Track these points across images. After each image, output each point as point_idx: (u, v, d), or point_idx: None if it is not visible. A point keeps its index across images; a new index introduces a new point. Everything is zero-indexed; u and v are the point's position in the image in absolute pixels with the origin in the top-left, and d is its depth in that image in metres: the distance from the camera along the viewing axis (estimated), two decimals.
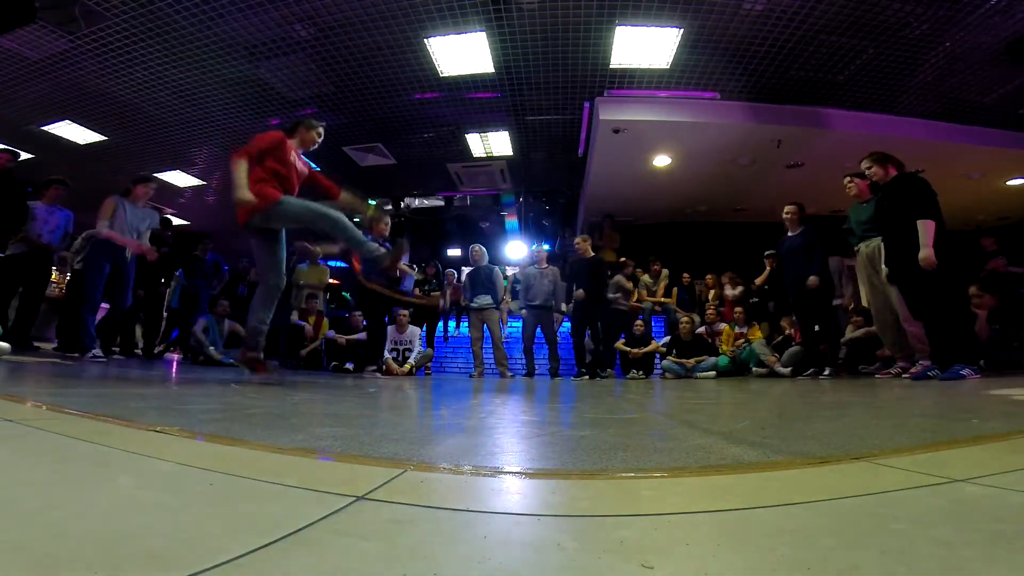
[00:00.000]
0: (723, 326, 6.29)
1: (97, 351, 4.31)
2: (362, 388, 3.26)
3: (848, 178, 4.36)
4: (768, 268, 5.83)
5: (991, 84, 5.70)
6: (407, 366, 5.67)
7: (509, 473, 0.89)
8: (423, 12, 4.96)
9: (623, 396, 3.06)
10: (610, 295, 6.63)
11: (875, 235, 3.99)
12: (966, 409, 1.84)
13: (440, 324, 7.61)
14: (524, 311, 6.11)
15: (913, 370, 3.67)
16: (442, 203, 9.91)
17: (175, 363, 5.85)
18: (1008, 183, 7.34)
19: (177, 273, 6.94)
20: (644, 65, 5.70)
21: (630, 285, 6.94)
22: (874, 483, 0.79)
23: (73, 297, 5.19)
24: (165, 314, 7.27)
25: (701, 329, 6.43)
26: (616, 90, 6.08)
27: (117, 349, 5.58)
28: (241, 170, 2.89)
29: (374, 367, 5.19)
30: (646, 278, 7.43)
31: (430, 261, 8.32)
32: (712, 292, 7.19)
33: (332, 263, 8.62)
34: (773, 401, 2.64)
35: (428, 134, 7.42)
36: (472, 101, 6.56)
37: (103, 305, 4.72)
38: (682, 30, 5.12)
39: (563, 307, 6.52)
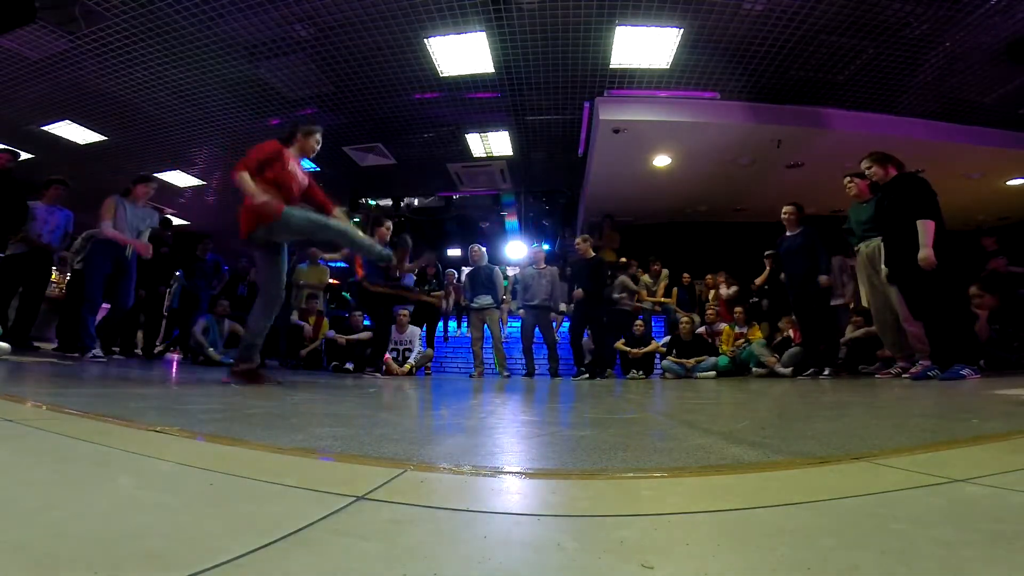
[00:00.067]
0: (723, 326, 6.29)
1: (97, 351, 4.31)
2: (362, 388, 3.26)
3: (848, 178, 4.36)
4: (768, 268, 5.83)
5: (991, 84, 5.70)
6: (407, 366, 5.67)
7: (509, 473, 0.89)
8: (423, 12, 4.96)
9: (623, 396, 3.06)
10: (615, 295, 6.64)
11: (875, 235, 3.99)
12: (966, 409, 1.84)
13: (440, 324, 7.61)
14: (522, 311, 6.11)
15: (913, 370, 3.67)
16: (442, 204, 9.91)
17: (175, 363, 5.85)
18: (1008, 183, 7.34)
19: (177, 273, 6.95)
20: (644, 65, 5.70)
21: (635, 285, 6.95)
22: (874, 483, 0.79)
23: (73, 297, 5.19)
24: (165, 314, 7.27)
25: (701, 329, 6.43)
26: (616, 90, 6.08)
27: (117, 349, 5.58)
28: (246, 180, 2.86)
29: (372, 368, 5.19)
30: (646, 278, 7.43)
31: (430, 261, 8.31)
32: (712, 292, 7.19)
33: (333, 264, 8.63)
34: (773, 401, 2.64)
35: (428, 134, 7.42)
36: (472, 101, 6.56)
37: (103, 305, 4.72)
38: (682, 30, 5.12)
39: (562, 307, 6.52)
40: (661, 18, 4.98)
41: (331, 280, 7.64)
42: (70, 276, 5.56)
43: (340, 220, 3.16)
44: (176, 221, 10.03)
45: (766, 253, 5.90)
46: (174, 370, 4.41)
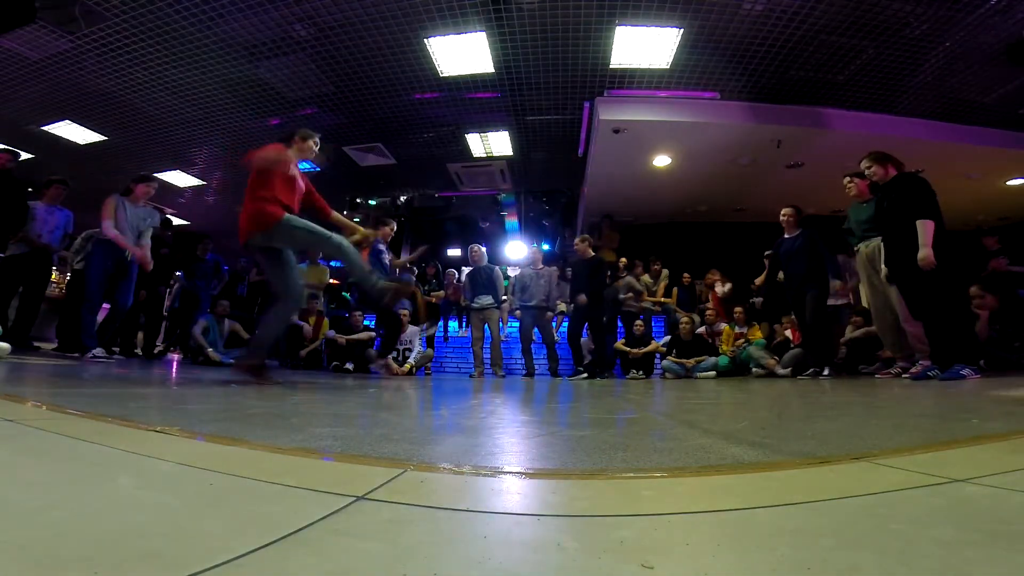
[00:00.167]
0: (723, 326, 6.29)
1: (97, 351, 4.31)
2: (362, 388, 3.26)
3: (848, 178, 4.36)
4: (767, 268, 5.83)
5: (991, 84, 5.70)
6: (407, 366, 5.67)
7: (509, 473, 0.89)
8: (423, 12, 4.96)
9: (623, 396, 3.06)
10: (620, 296, 6.66)
11: (875, 235, 3.99)
12: (966, 409, 1.84)
13: (440, 324, 7.61)
14: (518, 311, 6.11)
15: (913, 370, 3.67)
16: (441, 203, 9.88)
17: (175, 363, 5.85)
18: (1008, 183, 7.34)
19: (177, 273, 6.95)
20: (644, 65, 5.70)
21: (640, 286, 6.95)
22: (874, 483, 0.79)
23: (73, 297, 5.19)
24: (166, 314, 7.27)
25: (701, 329, 6.43)
26: (616, 90, 6.08)
27: (117, 349, 5.58)
28: (269, 153, 2.82)
29: (384, 360, 5.19)
30: (646, 278, 7.43)
31: (430, 261, 8.32)
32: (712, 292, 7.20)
33: (333, 263, 8.61)
34: (773, 401, 2.64)
35: (428, 134, 7.42)
36: (472, 101, 6.56)
37: (104, 305, 4.72)
38: (682, 30, 5.12)
39: (562, 307, 6.52)
40: (661, 18, 4.98)
41: (331, 280, 7.64)
42: (70, 276, 5.56)
43: (342, 236, 3.03)
44: (176, 221, 10.03)
45: (766, 253, 5.90)
46: (174, 370, 4.41)
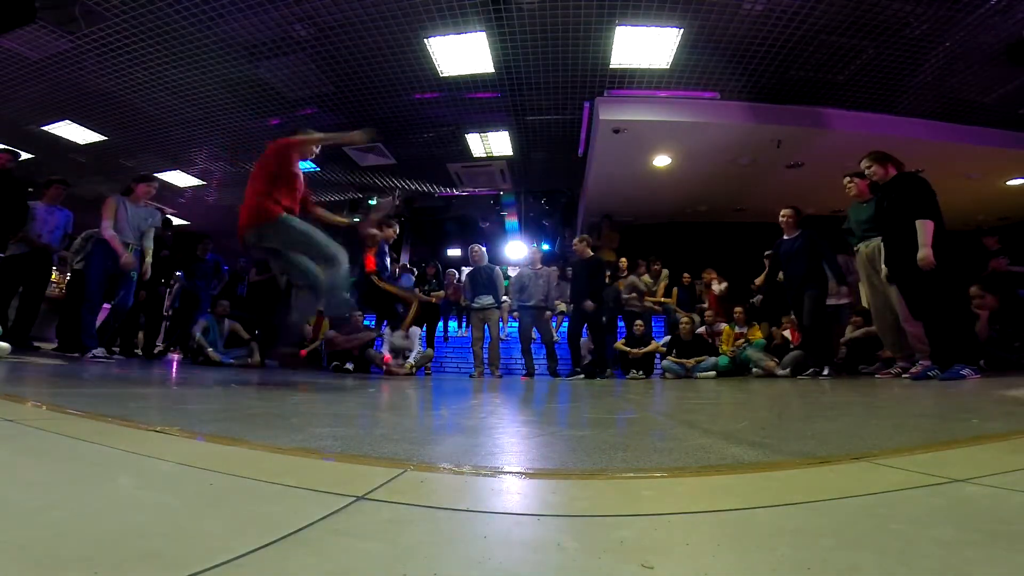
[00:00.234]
0: (723, 326, 6.29)
1: (97, 351, 4.31)
2: (362, 388, 3.26)
3: (848, 178, 4.36)
4: (767, 268, 5.83)
5: (991, 84, 5.70)
6: (407, 366, 5.67)
7: (509, 473, 0.89)
8: (423, 12, 4.96)
9: (623, 396, 3.06)
10: (624, 295, 6.66)
11: (875, 235, 3.98)
12: (966, 409, 1.84)
13: (440, 324, 7.61)
14: (516, 312, 6.12)
15: (913, 370, 3.67)
16: (441, 203, 9.85)
17: (175, 363, 5.85)
18: (1008, 183, 7.34)
19: (177, 273, 6.95)
20: (644, 65, 5.70)
21: (643, 285, 6.96)
22: (874, 483, 0.79)
23: (73, 297, 5.19)
24: (167, 314, 7.27)
25: (701, 329, 6.43)
26: (616, 90, 6.08)
27: (117, 349, 5.58)
28: (312, 136, 2.82)
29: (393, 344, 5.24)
30: (646, 278, 7.43)
31: (430, 261, 8.32)
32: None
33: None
34: (773, 401, 2.64)
35: (428, 134, 7.42)
36: (472, 101, 6.56)
37: (104, 305, 4.72)
38: (682, 30, 5.12)
39: (562, 307, 6.52)
40: (661, 18, 4.98)
41: None
42: (70, 276, 5.56)
43: (339, 249, 2.85)
44: (176, 221, 10.03)
45: (766, 254, 5.90)
46: (174, 370, 4.41)
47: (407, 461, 0.94)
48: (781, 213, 4.93)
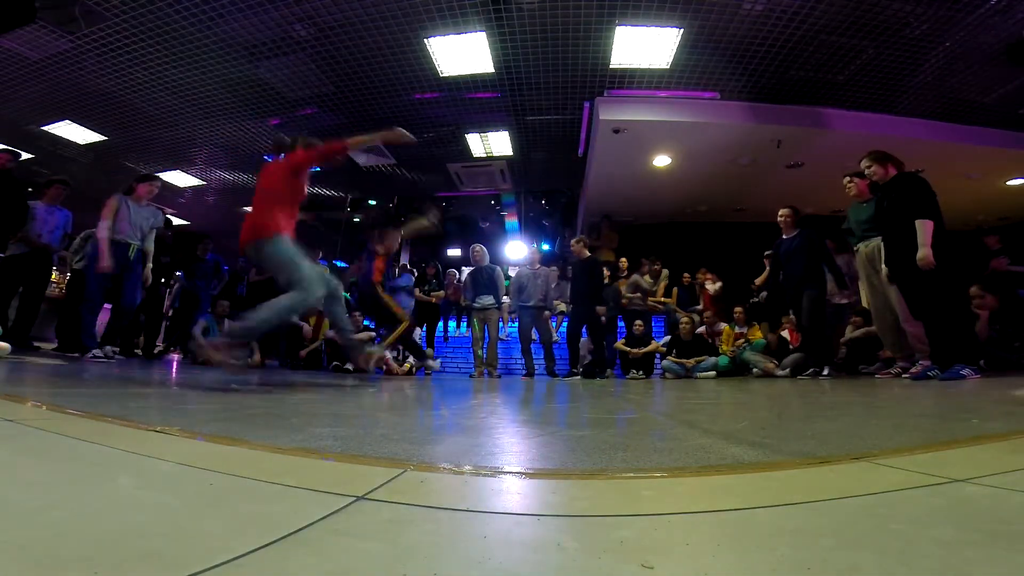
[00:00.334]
0: (723, 326, 6.29)
1: (98, 352, 4.31)
2: (362, 388, 3.26)
3: (848, 178, 4.36)
4: (767, 269, 5.83)
5: (991, 84, 5.70)
6: (407, 366, 5.67)
7: (509, 473, 0.89)
8: (423, 12, 4.96)
9: (623, 396, 3.06)
10: (628, 295, 6.67)
11: (875, 235, 3.98)
12: (966, 409, 1.84)
13: (440, 324, 7.61)
14: (514, 313, 6.12)
15: (913, 370, 3.67)
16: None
17: (175, 363, 5.85)
18: (1008, 183, 7.34)
19: (177, 273, 6.95)
20: (644, 65, 5.70)
21: (646, 284, 6.95)
22: (874, 483, 0.79)
23: (72, 297, 5.18)
24: (167, 314, 7.27)
25: (701, 329, 6.43)
26: (616, 90, 6.08)
27: (117, 349, 5.57)
28: (357, 139, 2.82)
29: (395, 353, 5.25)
30: (647, 278, 7.43)
31: (430, 261, 8.33)
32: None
33: (338, 263, 8.59)
34: (773, 401, 2.64)
35: (428, 134, 7.42)
36: (472, 101, 6.56)
37: (105, 305, 4.71)
38: (682, 30, 5.12)
39: (562, 307, 6.52)
40: (661, 18, 4.98)
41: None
42: (70, 276, 5.55)
43: (320, 287, 2.73)
44: (176, 221, 10.04)
45: (766, 254, 5.90)
46: (174, 370, 4.41)
47: (407, 461, 0.94)
48: (779, 213, 4.93)
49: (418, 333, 6.18)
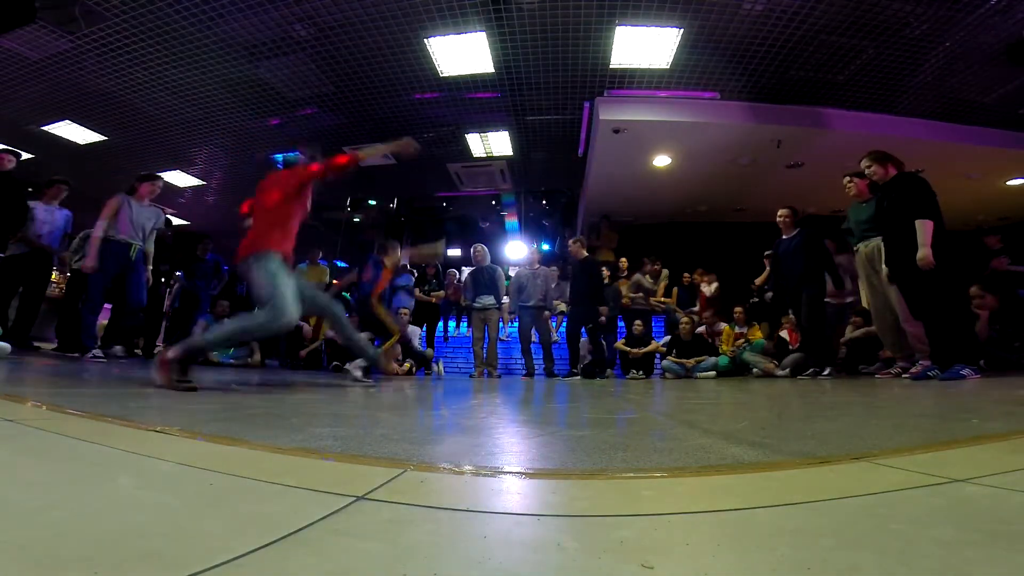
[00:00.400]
0: (723, 326, 6.29)
1: (98, 351, 4.31)
2: (362, 388, 3.26)
3: (847, 178, 4.36)
4: (767, 269, 5.83)
5: (991, 84, 5.70)
6: (407, 365, 5.66)
7: (509, 473, 0.89)
8: (423, 12, 4.96)
9: (623, 396, 3.06)
10: (630, 295, 6.67)
11: (875, 235, 3.98)
12: (966, 409, 1.84)
13: (440, 324, 7.61)
14: (514, 313, 6.13)
15: (913, 370, 3.67)
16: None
17: None
18: (1008, 183, 7.34)
19: (177, 273, 6.94)
20: (644, 65, 5.70)
21: (649, 284, 6.95)
22: (874, 483, 0.79)
23: (71, 296, 5.18)
24: (168, 313, 7.26)
25: (701, 329, 6.42)
26: (616, 90, 6.08)
27: (125, 348, 5.57)
28: (363, 151, 2.77)
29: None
30: (647, 278, 7.43)
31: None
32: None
33: (339, 263, 8.58)
34: (773, 401, 2.64)
35: (428, 134, 7.42)
36: (472, 101, 6.56)
37: (105, 305, 4.71)
38: (682, 30, 5.12)
39: (562, 307, 6.52)
40: (661, 18, 4.98)
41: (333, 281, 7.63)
42: (69, 275, 5.54)
43: (286, 308, 2.54)
44: (176, 221, 10.03)
45: (766, 254, 5.90)
46: None
47: (407, 461, 0.94)
48: (778, 213, 4.93)
49: (418, 333, 6.17)
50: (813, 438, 1.25)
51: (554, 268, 6.78)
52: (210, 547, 0.50)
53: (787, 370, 5.12)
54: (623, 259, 7.50)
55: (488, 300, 5.98)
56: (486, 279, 6.07)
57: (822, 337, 4.69)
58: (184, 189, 9.20)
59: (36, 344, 5.14)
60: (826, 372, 4.54)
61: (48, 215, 4.87)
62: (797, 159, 6.80)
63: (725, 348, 6.06)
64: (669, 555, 0.52)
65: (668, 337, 6.44)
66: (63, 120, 6.89)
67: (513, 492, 0.78)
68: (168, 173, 8.47)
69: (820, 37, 5.15)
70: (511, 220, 10.68)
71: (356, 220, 10.85)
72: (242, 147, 7.75)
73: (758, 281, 5.98)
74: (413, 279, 7.19)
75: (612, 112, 5.99)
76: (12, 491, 0.66)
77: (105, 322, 5.07)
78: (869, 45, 5.22)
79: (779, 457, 1.03)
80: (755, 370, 5.58)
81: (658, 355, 6.37)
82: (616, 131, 6.11)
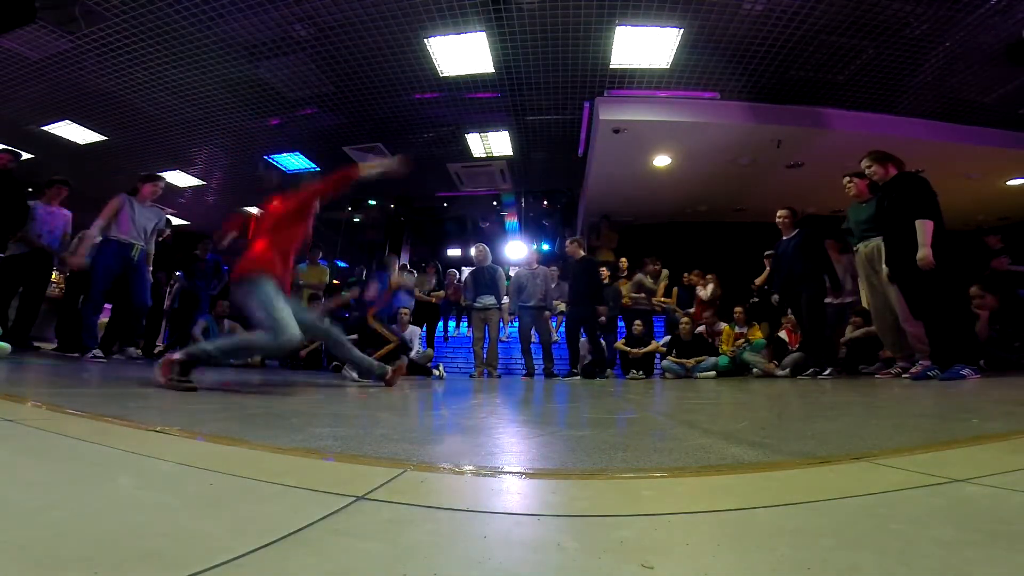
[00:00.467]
0: (723, 326, 6.29)
1: (98, 351, 4.31)
2: (362, 388, 3.26)
3: (847, 178, 4.36)
4: (767, 269, 5.83)
5: (991, 84, 5.70)
6: (400, 364, 5.65)
7: (509, 473, 0.89)
8: (423, 12, 4.96)
9: (623, 396, 3.06)
10: (632, 294, 6.67)
11: (874, 235, 3.98)
12: (966, 409, 1.84)
13: (440, 324, 7.61)
14: (514, 314, 6.13)
15: (913, 370, 3.67)
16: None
17: None
18: (1008, 183, 7.34)
19: (177, 273, 6.94)
20: (644, 65, 5.70)
21: (650, 284, 6.94)
22: (874, 483, 0.79)
23: (71, 296, 5.17)
24: (168, 313, 7.26)
25: (701, 329, 6.42)
26: (616, 90, 6.08)
27: (117, 349, 5.57)
28: (354, 171, 2.78)
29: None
30: (647, 278, 7.42)
31: (430, 261, 8.33)
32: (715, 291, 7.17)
33: (339, 263, 8.56)
34: (773, 401, 2.64)
35: (428, 134, 7.42)
36: (472, 101, 6.56)
37: (106, 305, 4.70)
38: (682, 30, 5.12)
39: (561, 306, 6.52)
40: (661, 18, 4.98)
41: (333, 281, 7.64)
42: (68, 274, 5.53)
43: (285, 340, 2.49)
44: (176, 221, 10.03)
45: (766, 253, 5.90)
46: None
47: (407, 461, 0.94)
48: (778, 214, 4.94)
49: (418, 333, 6.16)
50: (813, 438, 1.25)
51: (554, 268, 6.78)
52: (210, 547, 0.50)
53: (787, 370, 5.12)
54: (623, 259, 7.49)
55: (489, 300, 5.98)
56: (487, 279, 6.07)
57: (822, 337, 4.69)
58: (184, 189, 9.20)
59: (36, 344, 5.14)
60: (826, 372, 4.54)
61: (48, 215, 4.87)
62: (797, 159, 6.79)
63: (725, 348, 6.06)
64: (669, 555, 0.52)
65: (668, 337, 6.44)
66: (63, 120, 6.89)
67: (513, 492, 0.78)
68: (168, 173, 8.46)
69: (820, 37, 5.15)
70: (511, 220, 10.69)
71: (356, 220, 10.85)
72: (242, 147, 7.75)
73: (758, 281, 5.97)
74: (413, 279, 7.18)
75: (612, 112, 5.99)
76: (12, 491, 0.66)
77: (105, 321, 5.07)
78: (869, 45, 5.22)
79: (779, 457, 1.03)
80: (755, 370, 5.58)
81: (658, 355, 6.37)
82: (616, 131, 6.11)
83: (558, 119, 6.92)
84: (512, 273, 7.51)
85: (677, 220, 9.23)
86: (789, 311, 5.42)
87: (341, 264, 11.38)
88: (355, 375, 3.56)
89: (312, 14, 4.99)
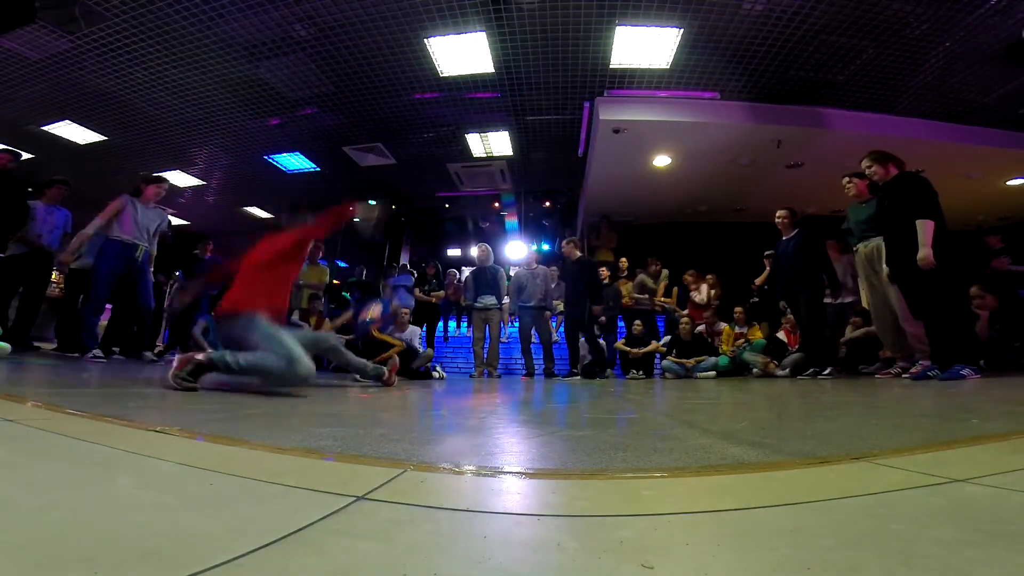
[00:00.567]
0: (723, 326, 6.29)
1: (98, 351, 4.30)
2: (362, 388, 3.27)
3: (847, 178, 4.35)
4: (767, 269, 5.83)
5: (991, 84, 5.70)
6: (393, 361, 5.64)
7: (509, 473, 0.89)
8: (423, 12, 4.96)
9: (623, 396, 3.06)
10: (634, 295, 6.67)
11: (874, 235, 3.98)
12: (966, 409, 1.84)
13: (440, 324, 7.61)
14: (514, 314, 6.13)
15: (913, 370, 3.67)
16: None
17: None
18: (1008, 183, 7.34)
19: (177, 273, 6.94)
20: (644, 65, 5.70)
21: (652, 284, 6.94)
22: (874, 483, 0.79)
23: (71, 296, 5.17)
24: (165, 313, 7.26)
25: (701, 329, 6.42)
26: (616, 90, 6.08)
27: (117, 349, 5.57)
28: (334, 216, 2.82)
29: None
30: (649, 279, 7.42)
31: (430, 261, 8.33)
32: (712, 292, 7.16)
33: (339, 263, 8.57)
34: (773, 401, 2.64)
35: (428, 134, 7.42)
36: (472, 101, 6.56)
37: (107, 305, 4.70)
38: (682, 30, 5.12)
39: (562, 307, 6.53)
40: (661, 18, 4.98)
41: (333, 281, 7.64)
42: (67, 273, 5.53)
43: (299, 367, 2.46)
44: (176, 221, 10.03)
45: (766, 253, 5.89)
46: None
47: (407, 461, 0.94)
48: (777, 214, 4.94)
49: (418, 333, 6.16)
50: (813, 438, 1.25)
51: (554, 268, 6.78)
52: (210, 547, 0.50)
53: (787, 370, 5.12)
54: (623, 259, 7.49)
55: (490, 300, 5.98)
56: (489, 279, 6.07)
57: (821, 337, 4.69)
58: (184, 189, 9.20)
59: (36, 344, 5.14)
60: (826, 372, 4.54)
61: (48, 215, 4.87)
62: (797, 159, 6.80)
63: (725, 348, 6.06)
64: (669, 555, 0.52)
65: (668, 337, 6.44)
66: (63, 120, 6.89)
67: (513, 492, 0.78)
68: (168, 173, 8.46)
69: (820, 37, 5.15)
70: (511, 220, 10.69)
71: (356, 220, 10.83)
72: (242, 147, 7.75)
73: (758, 281, 5.97)
74: (413, 279, 7.19)
75: (612, 112, 5.99)
76: (12, 491, 0.66)
77: (105, 322, 5.07)
78: (869, 45, 5.22)
79: (779, 457, 1.03)
80: (755, 370, 5.58)
81: (658, 355, 6.37)
82: (616, 131, 6.11)
83: (558, 119, 6.93)
84: (512, 273, 7.51)
85: (677, 220, 9.23)
86: (789, 311, 5.42)
87: (341, 264, 11.38)
88: (357, 375, 3.59)
89: (312, 14, 4.99)
